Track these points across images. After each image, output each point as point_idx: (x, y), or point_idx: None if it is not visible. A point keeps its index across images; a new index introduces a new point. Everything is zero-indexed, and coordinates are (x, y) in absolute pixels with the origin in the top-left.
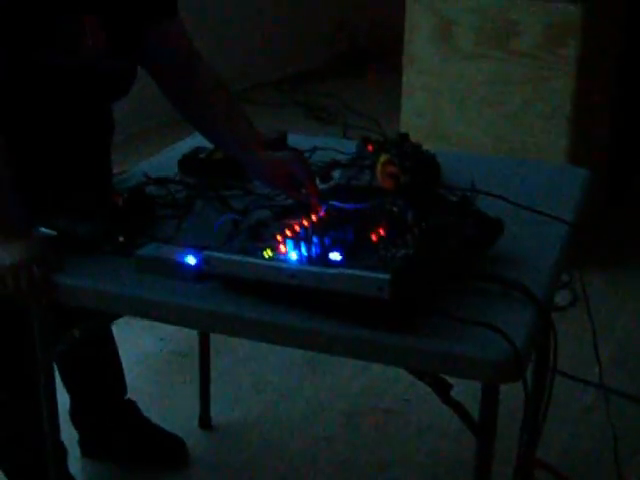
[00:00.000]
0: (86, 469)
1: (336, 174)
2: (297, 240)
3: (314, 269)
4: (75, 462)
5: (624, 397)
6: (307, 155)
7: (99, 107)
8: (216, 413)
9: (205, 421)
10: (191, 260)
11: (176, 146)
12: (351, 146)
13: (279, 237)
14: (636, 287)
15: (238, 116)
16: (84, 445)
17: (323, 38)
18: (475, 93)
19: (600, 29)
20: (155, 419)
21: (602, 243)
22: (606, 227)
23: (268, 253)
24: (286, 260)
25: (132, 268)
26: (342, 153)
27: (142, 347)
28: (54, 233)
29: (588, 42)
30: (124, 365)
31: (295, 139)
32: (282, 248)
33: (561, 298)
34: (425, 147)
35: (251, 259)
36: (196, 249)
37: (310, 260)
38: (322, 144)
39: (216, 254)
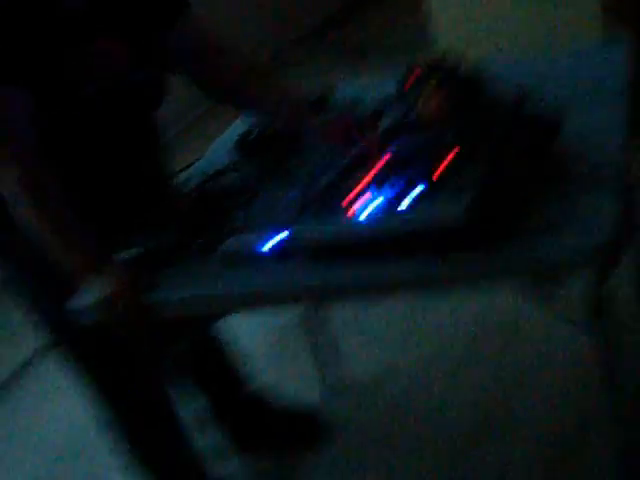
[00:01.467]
0: (243, 465)
1: (385, 117)
2: (370, 190)
3: (391, 218)
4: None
5: None
6: (353, 102)
7: (142, 121)
8: (341, 374)
9: (332, 385)
10: (272, 244)
11: (227, 133)
12: (390, 85)
13: (350, 196)
14: None
15: (279, 90)
16: (236, 442)
17: None
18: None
19: None
20: (286, 393)
21: None
22: None
23: (348, 214)
24: (366, 216)
25: (218, 267)
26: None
27: (253, 328)
28: (135, 255)
29: None
30: (243, 346)
31: (337, 92)
32: (355, 208)
33: None
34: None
35: (330, 226)
36: (273, 231)
37: (385, 211)
38: (363, 90)
39: (297, 229)
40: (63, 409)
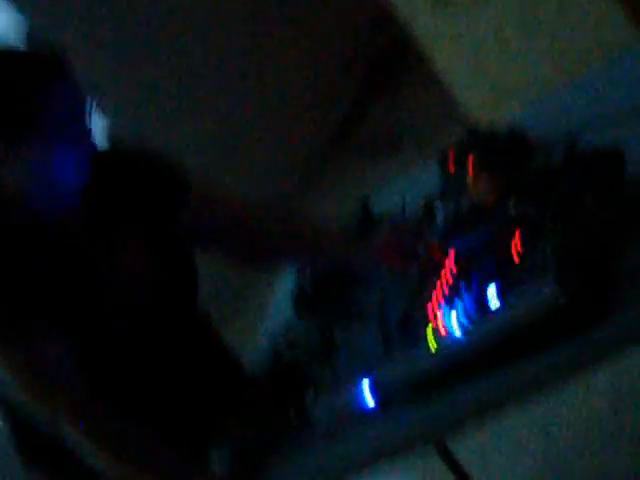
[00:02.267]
0: None
1: (438, 212)
2: (449, 307)
3: (488, 326)
4: None
5: None
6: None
7: (187, 314)
8: None
9: None
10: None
11: (278, 292)
12: (431, 173)
13: (431, 310)
14: None
15: (312, 230)
16: None
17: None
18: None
19: None
20: None
21: None
22: None
23: (432, 344)
24: (454, 337)
25: (321, 437)
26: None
27: None
28: (228, 459)
29: None
30: None
31: (378, 201)
32: (441, 327)
33: None
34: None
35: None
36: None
37: (475, 316)
38: (401, 190)
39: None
40: None
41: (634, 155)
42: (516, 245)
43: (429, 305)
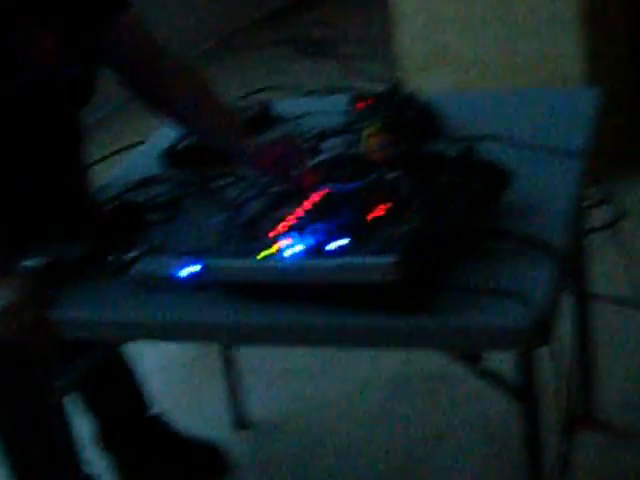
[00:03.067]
0: None
1: (326, 145)
2: (295, 232)
3: (314, 263)
4: None
5: None
6: (295, 124)
7: (64, 119)
8: (251, 409)
9: (239, 420)
10: (188, 271)
11: (155, 138)
12: (342, 104)
13: (274, 233)
14: None
15: (213, 104)
16: (119, 471)
17: None
18: (475, 7)
19: None
20: (187, 424)
21: None
22: None
23: (267, 251)
24: (284, 258)
25: (129, 288)
26: (332, 115)
27: (165, 352)
28: (40, 265)
29: None
30: (150, 372)
31: (280, 107)
32: (278, 245)
33: (600, 217)
34: (427, 75)
35: (248, 262)
36: (191, 257)
37: (309, 253)
38: (309, 107)
39: (213, 262)
40: None
41: (521, 180)
42: (381, 209)
43: (279, 220)
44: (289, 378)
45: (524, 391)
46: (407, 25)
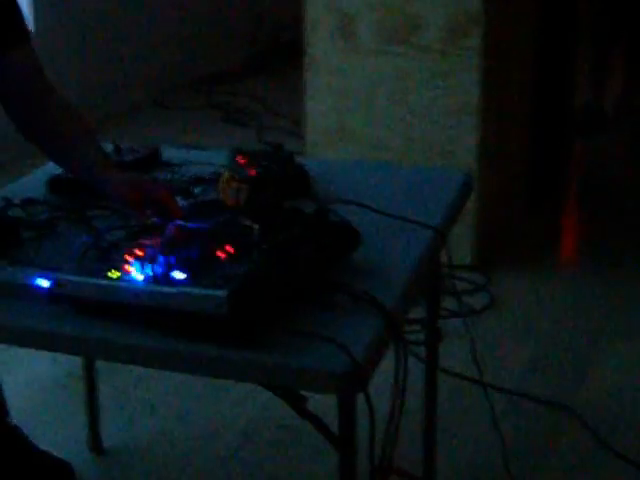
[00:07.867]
0: None
1: (198, 190)
2: (143, 260)
3: (154, 288)
4: None
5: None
6: (176, 169)
7: None
8: (108, 436)
9: (96, 445)
10: (42, 283)
11: (46, 167)
12: (226, 157)
13: (127, 257)
14: (555, 289)
15: (89, 143)
16: None
17: (243, 35)
18: (381, 91)
19: (507, 15)
20: (44, 444)
21: (522, 245)
22: (527, 230)
23: (114, 274)
24: (130, 280)
25: None
26: (214, 166)
27: (34, 370)
28: None
29: (494, 30)
30: (14, 389)
31: (169, 153)
32: (128, 268)
33: (476, 301)
34: (332, 151)
35: (96, 280)
36: (47, 271)
37: (155, 280)
38: (195, 157)
39: (63, 276)
40: None
41: (374, 243)
42: (226, 251)
43: (136, 246)
44: (153, 411)
45: (340, 437)
46: (317, 103)
